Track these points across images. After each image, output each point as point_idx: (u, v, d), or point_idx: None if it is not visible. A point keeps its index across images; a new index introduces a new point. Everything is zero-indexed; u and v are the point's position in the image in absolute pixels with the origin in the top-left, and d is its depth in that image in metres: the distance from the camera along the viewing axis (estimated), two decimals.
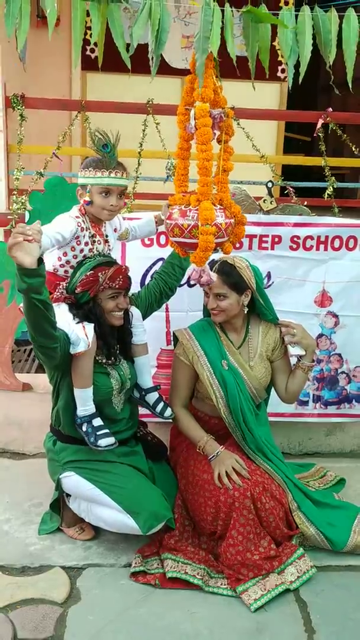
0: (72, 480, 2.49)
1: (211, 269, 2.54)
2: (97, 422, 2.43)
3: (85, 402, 2.43)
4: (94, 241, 2.42)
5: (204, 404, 2.72)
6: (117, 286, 2.39)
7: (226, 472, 2.46)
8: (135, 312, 2.59)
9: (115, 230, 2.56)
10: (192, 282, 2.77)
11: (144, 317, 2.68)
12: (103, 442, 2.39)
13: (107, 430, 2.42)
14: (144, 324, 2.64)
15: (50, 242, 2.28)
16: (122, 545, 2.57)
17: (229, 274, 2.56)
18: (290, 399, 2.77)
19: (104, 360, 2.50)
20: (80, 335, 2.32)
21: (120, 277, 2.39)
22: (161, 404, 2.64)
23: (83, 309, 2.39)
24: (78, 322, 2.35)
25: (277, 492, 2.51)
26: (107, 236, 2.50)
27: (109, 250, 2.52)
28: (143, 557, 2.47)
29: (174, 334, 2.78)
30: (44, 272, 2.10)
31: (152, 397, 2.64)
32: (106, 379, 2.49)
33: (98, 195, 2.34)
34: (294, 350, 2.68)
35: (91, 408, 2.43)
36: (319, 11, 1.98)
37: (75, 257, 2.41)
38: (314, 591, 2.38)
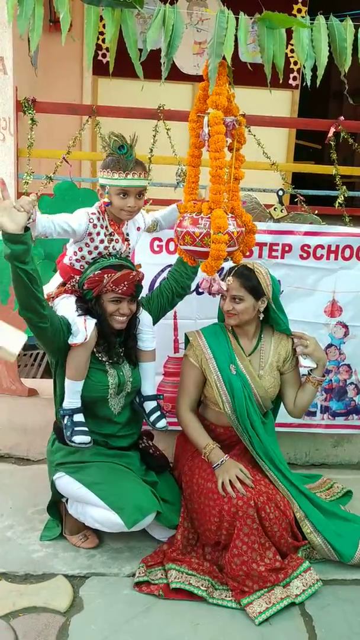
0: (63, 481, 2.50)
1: (230, 273, 2.55)
2: (79, 417, 2.43)
3: (72, 395, 2.43)
4: (112, 239, 2.41)
5: (209, 410, 2.69)
6: (120, 291, 2.38)
7: (230, 481, 2.43)
8: (145, 318, 2.57)
9: (138, 229, 2.55)
10: (200, 290, 2.75)
11: (157, 319, 2.67)
12: (78, 438, 2.39)
13: (85, 429, 2.42)
14: (154, 330, 2.62)
15: (54, 228, 2.29)
16: (126, 554, 2.54)
17: (248, 278, 2.56)
18: (298, 413, 2.74)
19: (104, 358, 2.48)
20: (80, 327, 2.34)
21: (125, 283, 2.38)
22: (157, 414, 2.62)
23: (87, 305, 2.41)
24: (80, 315, 2.37)
25: (281, 502, 2.48)
26: (127, 235, 2.48)
27: (129, 250, 2.51)
28: (147, 566, 2.44)
29: (185, 335, 2.76)
30: (28, 240, 2.11)
31: (149, 405, 2.63)
32: (103, 376, 2.48)
33: (116, 196, 2.33)
34: (305, 362, 2.66)
35: (77, 402, 2.43)
36: (334, 20, 1.96)
37: (90, 252, 2.41)
38: (319, 605, 2.35)
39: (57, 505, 2.64)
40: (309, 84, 2.02)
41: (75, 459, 2.48)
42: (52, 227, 2.27)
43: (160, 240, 3.01)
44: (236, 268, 2.57)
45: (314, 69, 1.96)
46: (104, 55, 5.04)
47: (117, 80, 4.76)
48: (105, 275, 2.36)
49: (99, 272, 2.37)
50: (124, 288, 2.39)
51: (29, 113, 3.63)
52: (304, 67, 1.95)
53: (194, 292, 2.96)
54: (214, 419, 2.68)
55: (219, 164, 2.06)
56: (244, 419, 2.58)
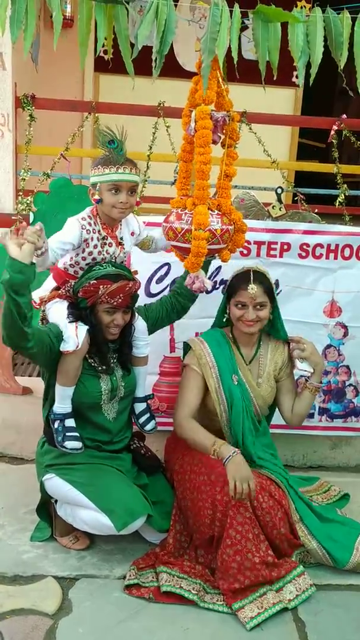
0: (53, 482, 2.47)
1: (252, 280, 2.48)
2: (70, 422, 2.40)
3: (63, 400, 2.40)
4: (105, 243, 2.37)
5: (204, 417, 2.65)
6: (115, 303, 2.34)
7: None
8: (140, 325, 2.54)
9: (132, 233, 2.48)
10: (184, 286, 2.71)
11: (152, 330, 2.63)
12: (69, 444, 2.37)
13: (76, 434, 2.39)
14: (148, 337, 2.59)
15: (57, 254, 2.25)
16: (118, 556, 2.51)
17: (266, 282, 2.54)
18: (297, 421, 2.70)
19: (96, 365, 2.45)
20: (71, 334, 2.30)
21: (121, 295, 2.33)
22: (146, 416, 2.59)
23: (80, 313, 2.36)
24: (71, 322, 2.33)
25: (276, 493, 2.45)
26: (122, 239, 2.43)
27: (124, 254, 2.45)
28: (138, 569, 2.41)
29: (185, 343, 2.72)
30: (29, 273, 2.05)
31: (139, 406, 2.61)
32: (96, 383, 2.45)
33: (107, 192, 2.28)
34: (302, 366, 2.62)
35: (67, 407, 2.40)
36: (330, 12, 1.91)
37: (84, 258, 2.36)
38: (312, 610, 2.31)
39: (46, 506, 2.61)
40: (301, 82, 1.98)
41: (65, 461, 2.44)
42: (52, 255, 2.22)
43: None
44: (254, 273, 2.51)
45: (309, 66, 1.91)
46: (105, 52, 5.00)
47: (118, 77, 4.73)
48: (101, 286, 2.30)
49: (95, 282, 2.30)
50: (120, 300, 2.34)
51: (28, 109, 3.61)
52: (297, 65, 1.90)
53: None
54: (206, 423, 2.64)
55: (203, 159, 2.03)
56: (237, 431, 2.55)
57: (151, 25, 1.96)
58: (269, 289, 2.54)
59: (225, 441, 2.52)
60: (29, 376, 3.68)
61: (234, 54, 1.87)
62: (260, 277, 2.53)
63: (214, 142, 2.12)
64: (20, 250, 2.03)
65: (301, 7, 5.44)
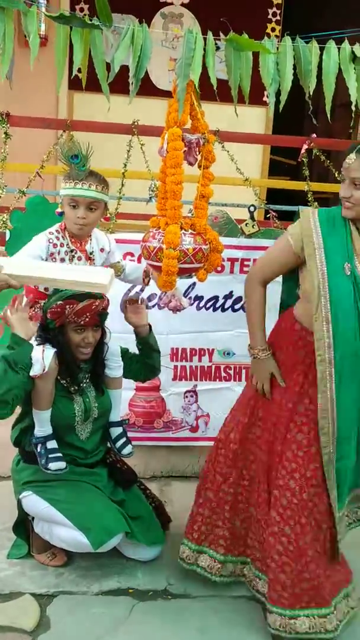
0: (30, 500, 2.47)
1: (353, 150, 2.05)
2: (52, 444, 2.41)
3: (42, 423, 2.41)
4: (73, 257, 2.39)
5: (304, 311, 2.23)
6: (82, 322, 2.35)
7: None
8: (112, 346, 2.56)
9: (102, 250, 2.50)
10: (161, 305, 2.75)
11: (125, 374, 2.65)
12: (53, 465, 2.38)
13: (59, 454, 2.41)
14: (121, 360, 2.60)
15: None
16: (96, 572, 2.52)
17: None
18: None
19: (67, 385, 2.46)
20: (38, 357, 2.30)
21: (88, 314, 2.34)
22: (122, 440, 2.61)
23: (49, 334, 2.37)
24: (39, 344, 2.34)
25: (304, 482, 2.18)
26: (92, 253, 2.45)
27: None
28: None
29: (298, 210, 2.56)
30: (25, 352, 2.22)
31: (115, 431, 2.63)
32: (69, 404, 2.46)
33: (67, 206, 2.33)
34: None
35: (47, 430, 2.41)
36: (300, 42, 2.00)
37: None
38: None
39: (24, 523, 2.61)
40: (272, 108, 2.05)
41: (42, 477, 2.45)
42: None
43: (132, 255, 3.02)
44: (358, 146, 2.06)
45: (279, 93, 1.99)
46: (79, 70, 5.06)
47: (92, 95, 4.76)
48: (67, 307, 2.31)
49: (61, 302, 2.31)
50: (87, 319, 2.35)
51: (3, 127, 3.63)
52: (268, 93, 1.98)
53: (155, 307, 2.98)
54: (306, 323, 2.22)
55: (175, 180, 2.08)
56: (345, 337, 2.08)
57: (127, 50, 2.02)
58: None
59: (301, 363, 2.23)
60: None
61: (213, 81, 1.94)
62: None
63: (191, 164, 2.18)
64: (24, 328, 2.20)
65: (271, 31, 5.59)
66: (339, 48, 2.02)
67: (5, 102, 4.15)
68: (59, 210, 2.35)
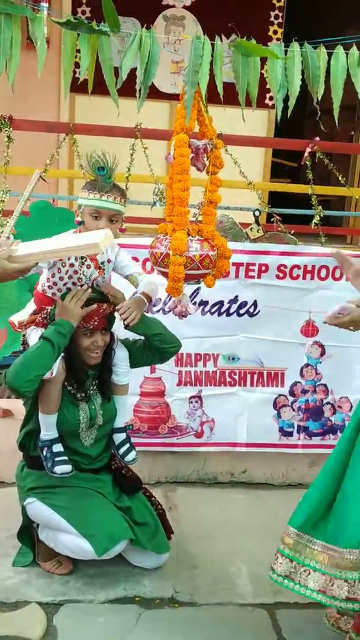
0: (34, 507, 2.46)
1: None
2: (57, 448, 2.41)
3: (48, 427, 2.41)
4: (82, 264, 2.38)
5: None
6: (91, 327, 2.35)
7: None
8: (120, 352, 2.54)
9: (109, 261, 2.47)
10: (167, 310, 2.74)
11: (133, 365, 2.61)
12: (59, 469, 2.37)
13: (65, 458, 2.40)
14: (128, 366, 2.58)
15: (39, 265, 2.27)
16: (101, 580, 2.50)
17: None
18: None
19: (75, 392, 2.45)
20: None
21: (96, 318, 2.34)
22: (126, 446, 2.59)
23: None
24: None
25: None
26: (102, 263, 2.44)
27: (103, 279, 2.46)
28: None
29: None
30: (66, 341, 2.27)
31: (118, 437, 2.61)
32: (75, 411, 2.45)
33: (88, 216, 2.32)
34: None
35: (53, 433, 2.41)
36: (308, 47, 1.99)
37: (61, 279, 2.37)
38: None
39: (29, 530, 2.59)
40: (279, 115, 2.04)
41: (46, 484, 2.44)
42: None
43: (136, 260, 3.00)
44: None
45: (286, 98, 1.98)
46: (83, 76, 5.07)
47: (94, 98, 4.76)
48: None
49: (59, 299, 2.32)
50: (95, 323, 2.35)
51: (5, 131, 3.61)
52: (276, 99, 1.97)
53: (160, 312, 2.97)
54: None
55: (181, 186, 2.07)
56: None
57: (135, 57, 2.01)
58: None
59: None
60: (8, 398, 3.65)
61: (220, 89, 1.92)
62: None
63: (199, 170, 2.17)
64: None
65: (273, 34, 5.59)
66: (347, 53, 2.01)
67: (5, 105, 4.14)
68: (78, 219, 2.33)
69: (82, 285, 2.38)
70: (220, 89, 1.97)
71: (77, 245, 2.09)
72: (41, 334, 2.30)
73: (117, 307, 2.37)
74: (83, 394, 2.46)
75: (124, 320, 2.35)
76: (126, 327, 2.40)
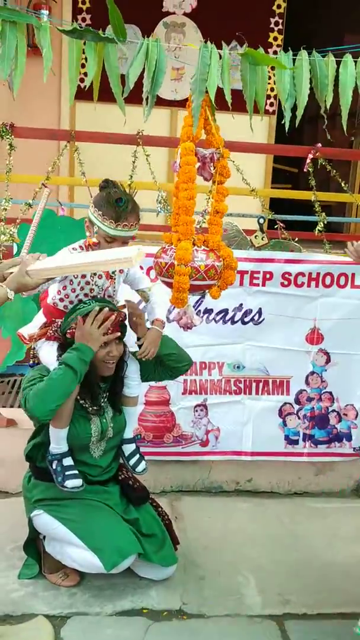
0: (41, 519, 2.44)
1: None
2: (68, 461, 2.38)
3: (58, 441, 2.39)
4: (94, 274, 2.36)
5: None
6: (108, 334, 2.32)
7: None
8: (132, 365, 2.53)
9: (121, 271, 2.46)
10: (171, 319, 2.72)
11: (144, 379, 2.61)
12: (70, 483, 2.35)
13: (75, 472, 2.38)
14: (139, 378, 2.57)
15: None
16: (109, 592, 2.48)
17: None
18: None
19: (87, 406, 2.43)
20: None
21: (110, 328, 2.32)
22: (136, 457, 2.58)
23: None
24: (60, 364, 2.30)
25: None
26: (113, 273, 2.42)
27: (114, 288, 2.45)
28: None
29: None
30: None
31: (128, 448, 2.59)
32: (86, 425, 2.43)
33: (102, 239, 2.30)
34: None
35: (64, 447, 2.39)
36: (316, 56, 1.98)
37: (73, 290, 2.36)
38: None
39: (35, 542, 2.56)
40: (287, 125, 2.03)
41: (53, 495, 2.41)
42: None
43: (141, 268, 2.99)
44: None
45: (294, 108, 1.97)
46: (81, 80, 5.06)
47: (95, 104, 4.75)
48: None
49: (80, 319, 2.29)
50: (109, 332, 2.33)
51: (7, 138, 3.60)
52: (284, 108, 1.96)
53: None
54: None
55: (187, 195, 2.06)
56: None
57: (141, 65, 2.00)
58: None
59: None
60: (11, 407, 3.63)
61: (228, 97, 1.91)
62: None
63: (206, 179, 2.16)
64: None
65: (274, 41, 5.59)
66: (355, 61, 2.00)
67: (6, 112, 4.13)
68: (95, 240, 2.30)
69: (94, 296, 2.37)
70: (228, 97, 1.96)
71: (106, 260, 2.04)
72: (62, 359, 2.27)
73: (137, 342, 2.46)
74: (96, 408, 2.44)
75: (141, 355, 2.42)
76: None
